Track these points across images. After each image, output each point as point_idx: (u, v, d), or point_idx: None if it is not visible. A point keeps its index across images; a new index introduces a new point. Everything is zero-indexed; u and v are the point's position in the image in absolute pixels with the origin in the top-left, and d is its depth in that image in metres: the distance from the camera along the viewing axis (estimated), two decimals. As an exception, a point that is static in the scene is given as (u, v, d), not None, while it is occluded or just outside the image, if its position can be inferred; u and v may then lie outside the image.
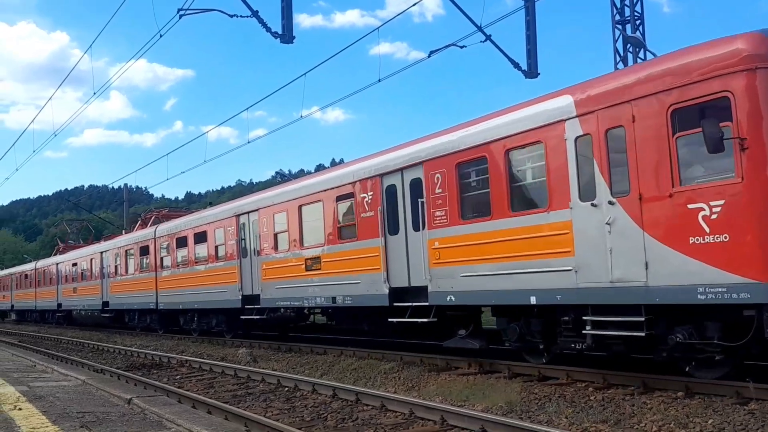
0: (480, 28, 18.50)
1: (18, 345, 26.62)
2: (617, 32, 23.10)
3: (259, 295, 19.43)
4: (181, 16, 17.39)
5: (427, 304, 13.26)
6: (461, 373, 12.69)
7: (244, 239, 20.43)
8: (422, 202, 13.32)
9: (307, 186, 17.87)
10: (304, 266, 17.21)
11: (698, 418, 8.25)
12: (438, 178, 13.03)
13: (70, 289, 39.54)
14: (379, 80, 19.43)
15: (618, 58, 22.88)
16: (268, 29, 16.55)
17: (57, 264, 43.82)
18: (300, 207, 17.60)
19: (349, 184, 15.76)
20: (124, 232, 45.48)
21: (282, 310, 19.24)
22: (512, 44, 19.67)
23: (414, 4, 18.95)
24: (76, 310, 39.82)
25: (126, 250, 31.03)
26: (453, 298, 12.71)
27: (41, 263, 49.59)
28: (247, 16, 16.75)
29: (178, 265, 25.50)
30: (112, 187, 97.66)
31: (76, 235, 57.44)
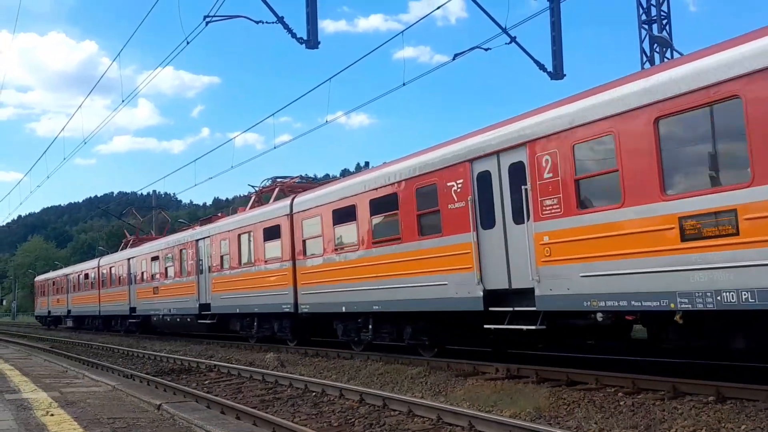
0: (505, 30, 18.45)
1: (50, 350, 26.97)
2: (644, 32, 22.91)
3: (531, 290, 11.69)
4: (207, 23, 17.54)
5: None
6: (488, 378, 12.62)
7: (490, 197, 12.63)
8: None
9: (679, 79, 9.48)
10: (676, 232, 9.35)
11: (730, 423, 8.12)
12: None
13: (149, 290, 32.36)
14: (404, 84, 19.44)
15: (645, 58, 22.68)
16: (294, 35, 16.64)
17: (129, 259, 36.14)
18: (657, 121, 9.66)
19: None
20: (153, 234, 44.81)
21: (596, 315, 11.05)
22: (537, 46, 19.57)
23: (438, 8, 18.91)
24: (158, 315, 31.41)
25: (239, 234, 23.33)
26: None
27: (107, 260, 41.75)
28: (273, 22, 16.85)
29: (337, 249, 17.82)
30: (141, 194, 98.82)
31: (145, 228, 50.75)
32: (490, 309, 12.65)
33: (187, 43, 18.68)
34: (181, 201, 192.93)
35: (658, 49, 22.20)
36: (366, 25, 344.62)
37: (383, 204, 15.99)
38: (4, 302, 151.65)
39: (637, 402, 9.63)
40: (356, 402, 11.34)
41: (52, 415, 9.20)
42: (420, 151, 15.38)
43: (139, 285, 34.08)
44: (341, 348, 18.28)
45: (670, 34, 22.32)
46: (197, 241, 26.99)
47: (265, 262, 21.53)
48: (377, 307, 16.07)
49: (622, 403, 9.69)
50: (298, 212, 19.74)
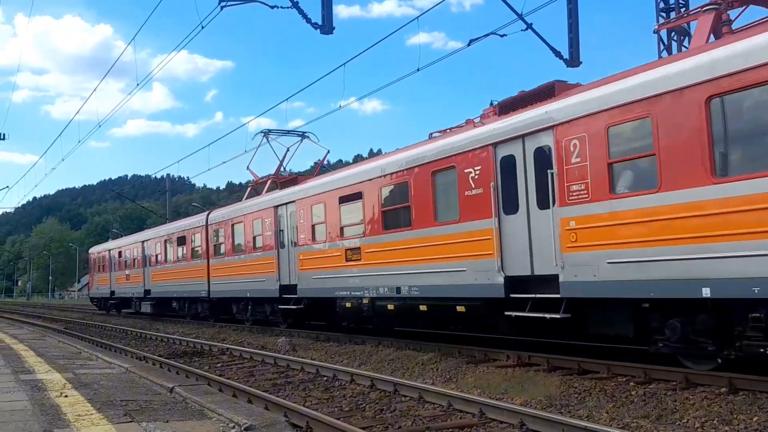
0: (521, 17, 18.29)
1: (64, 332, 27.21)
2: (661, 20, 22.68)
3: None
4: (222, 8, 17.51)
5: None
6: (499, 365, 12.63)
7: None
8: None
9: None
10: None
11: (742, 414, 8.10)
12: None
13: (334, 256, 18.44)
14: (418, 69, 19.32)
15: (662, 47, 22.47)
16: (308, 20, 16.58)
17: (276, 208, 22.03)
18: None
19: None
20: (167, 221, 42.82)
21: None
22: (554, 32, 19.38)
23: (454, -7, 18.76)
24: (359, 298, 17.38)
25: (610, 126, 10.62)
26: None
27: (222, 214, 27.28)
28: (288, 7, 16.81)
29: None
30: (155, 177, 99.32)
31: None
32: None
33: (202, 27, 18.66)
34: (194, 185, 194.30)
35: (675, 38, 21.98)
36: (380, 11, 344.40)
37: None
38: (20, 283, 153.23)
39: (648, 392, 9.61)
40: (367, 387, 11.37)
41: (66, 396, 9.28)
42: None
43: (304, 248, 20.16)
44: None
45: (688, 22, 22.07)
46: (492, 147, 13.03)
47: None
48: None
49: (633, 392, 9.68)
50: None
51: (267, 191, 24.82)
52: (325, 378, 12.71)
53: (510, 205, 12.69)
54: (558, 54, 19.08)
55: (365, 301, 17.07)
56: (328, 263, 18.74)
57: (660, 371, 10.45)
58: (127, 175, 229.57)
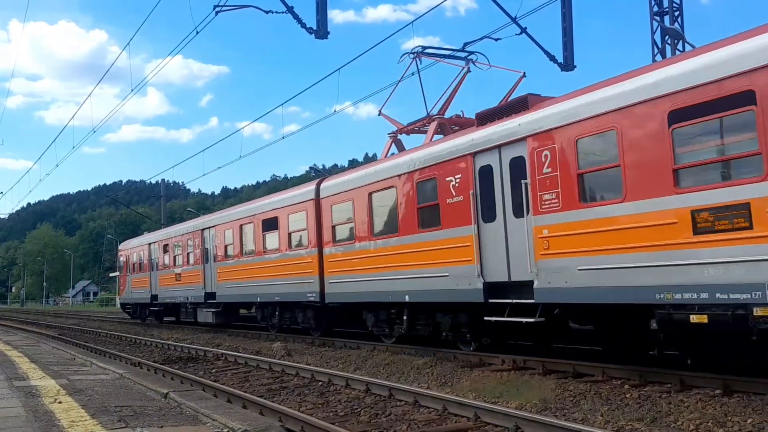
0: (515, 20, 18.35)
1: (58, 338, 27.12)
2: (655, 24, 22.76)
3: None
4: (217, 13, 17.52)
5: None
6: (495, 369, 12.62)
7: None
8: None
9: None
10: None
11: (737, 417, 8.11)
12: None
13: (657, 224, 9.54)
14: (413, 74, 19.37)
15: (656, 50, 22.55)
16: (303, 25, 16.60)
17: (474, 155, 13.22)
18: None
19: None
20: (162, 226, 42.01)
21: None
22: (548, 36, 19.44)
23: (447, -2, 18.83)
24: (745, 304, 8.41)
25: None
26: None
27: (343, 181, 18.88)
28: (283, 12, 16.82)
29: None
30: (150, 183, 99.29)
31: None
32: None
33: (197, 32, 18.67)
34: (189, 190, 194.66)
35: (669, 42, 22.06)
36: (374, 16, 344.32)
37: None
38: (14, 289, 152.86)
39: (643, 394, 9.62)
40: (362, 392, 11.36)
41: (60, 402, 9.25)
42: None
43: (551, 217, 11.45)
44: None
45: (681, 26, 22.17)
46: None
47: None
48: None
49: (628, 395, 9.69)
50: None
51: (431, 139, 17.27)
52: (320, 383, 12.68)
53: None
54: (552, 58, 19.16)
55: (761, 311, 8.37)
56: (630, 241, 10.08)
57: (655, 374, 10.47)
58: (121, 181, 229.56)
